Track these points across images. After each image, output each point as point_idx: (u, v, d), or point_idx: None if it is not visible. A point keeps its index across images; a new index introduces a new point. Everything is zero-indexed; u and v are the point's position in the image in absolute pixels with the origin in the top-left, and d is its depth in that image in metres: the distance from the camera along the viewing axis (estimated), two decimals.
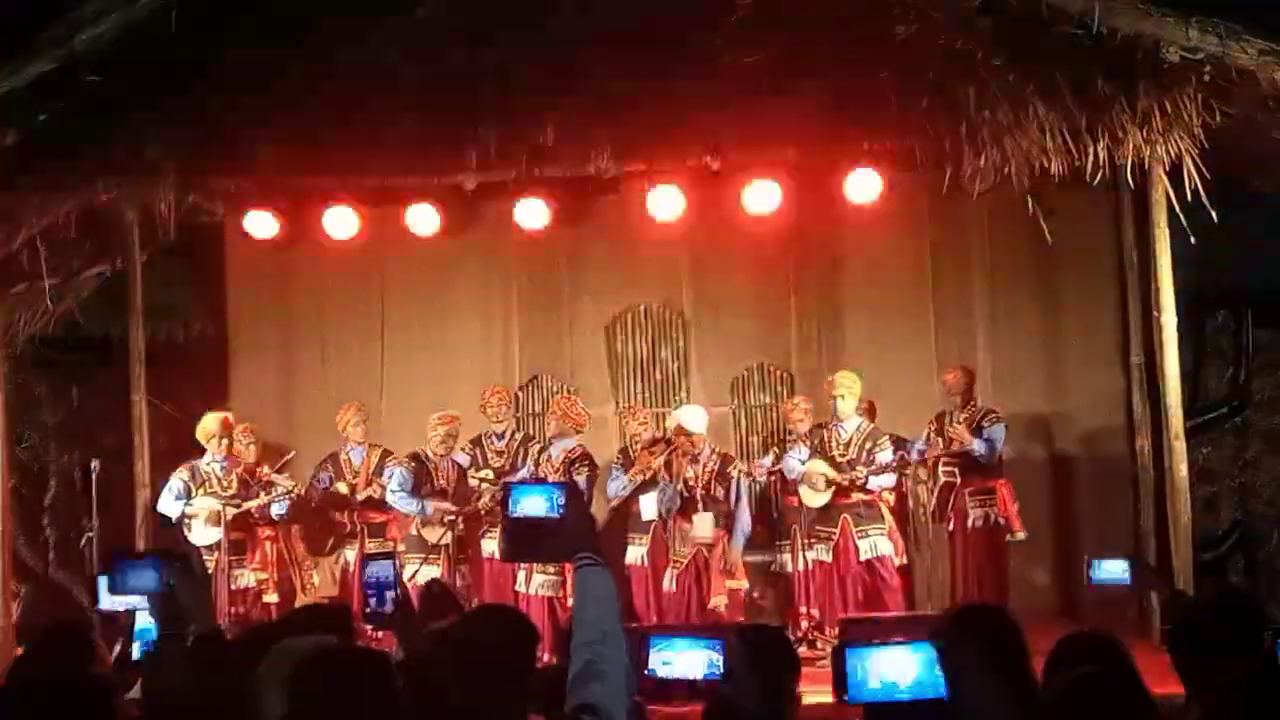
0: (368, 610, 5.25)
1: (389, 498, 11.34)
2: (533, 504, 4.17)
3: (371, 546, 11.38)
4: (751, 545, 11.92)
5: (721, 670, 5.16)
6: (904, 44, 10.73)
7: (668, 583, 11.20)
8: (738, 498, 11.35)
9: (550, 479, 11.10)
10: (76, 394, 14.45)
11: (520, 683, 3.63)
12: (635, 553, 11.29)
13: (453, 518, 11.18)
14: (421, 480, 11.32)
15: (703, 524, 11.08)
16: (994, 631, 4.06)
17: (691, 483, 11.21)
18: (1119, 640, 4.00)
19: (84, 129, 11.27)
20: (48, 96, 11.26)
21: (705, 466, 11.30)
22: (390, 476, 11.39)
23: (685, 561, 11.17)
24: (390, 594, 5.34)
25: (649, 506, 11.21)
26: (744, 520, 11.37)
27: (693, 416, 11.56)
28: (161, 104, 11.25)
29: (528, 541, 4.38)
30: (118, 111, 11.28)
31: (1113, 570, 6.06)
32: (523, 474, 11.21)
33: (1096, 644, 4.09)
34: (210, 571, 10.96)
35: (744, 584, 11.32)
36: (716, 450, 11.56)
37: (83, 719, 3.41)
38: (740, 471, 11.47)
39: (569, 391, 12.87)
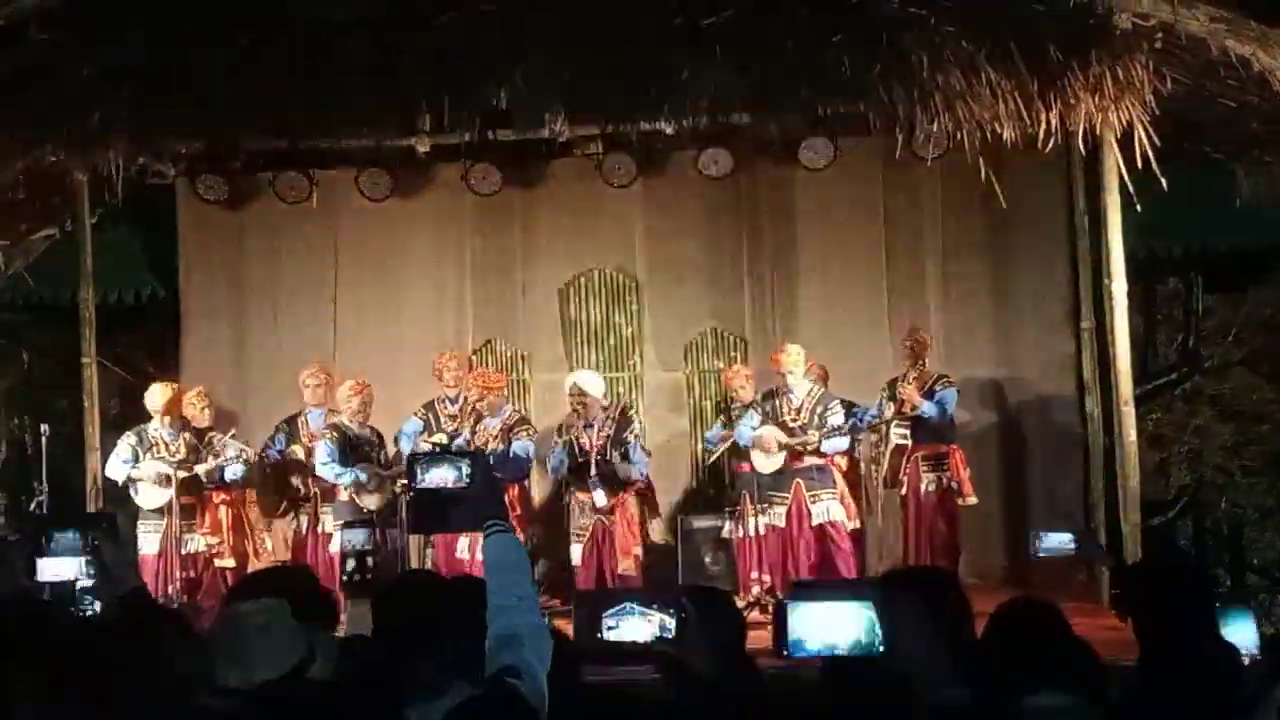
0: (345, 579, 5.25)
1: (319, 470, 11.17)
2: (440, 475, 4.19)
3: (325, 511, 11.35)
4: (701, 510, 12.05)
5: (672, 634, 5.19)
6: (857, 8, 10.75)
7: (575, 557, 11.10)
8: (632, 460, 11.20)
9: (490, 447, 11.12)
10: (26, 357, 14.38)
11: (442, 646, 3.63)
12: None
13: (399, 487, 11.07)
14: (345, 450, 11.22)
15: (597, 491, 11.05)
16: (932, 592, 4.09)
17: (586, 448, 11.16)
18: (1057, 607, 4.03)
19: (32, 89, 11.16)
20: None
21: (600, 432, 11.23)
22: (316, 449, 11.27)
23: (587, 533, 11.14)
24: (370, 560, 5.32)
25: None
26: (638, 460, 11.27)
27: (590, 379, 11.51)
28: (111, 64, 11.14)
29: (435, 513, 4.40)
30: (66, 71, 11.17)
31: (1057, 542, 6.12)
32: (459, 444, 11.14)
33: (1036, 610, 4.12)
34: (162, 534, 10.95)
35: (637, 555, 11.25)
36: (611, 415, 11.49)
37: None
38: (636, 437, 11.37)
39: (521, 355, 12.93)
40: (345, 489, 11.05)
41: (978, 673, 3.75)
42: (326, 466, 11.08)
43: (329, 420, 11.49)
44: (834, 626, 4.08)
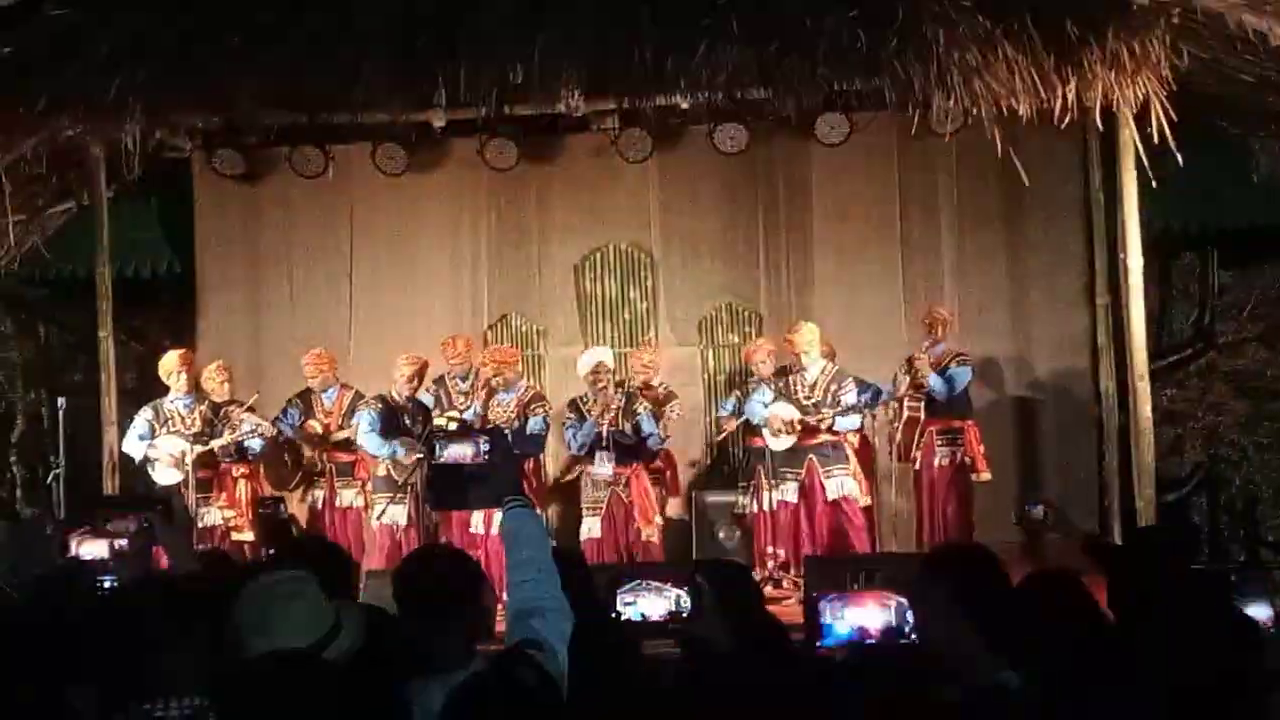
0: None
1: (359, 439, 11.22)
2: (459, 451, 4.22)
3: (339, 485, 11.43)
4: (716, 485, 12.14)
5: (689, 610, 5.21)
6: None
7: (588, 531, 11.17)
8: (645, 434, 11.30)
9: (505, 424, 11.15)
10: (44, 331, 14.44)
11: (462, 618, 3.66)
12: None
13: (420, 457, 11.15)
14: (389, 422, 11.25)
15: (602, 463, 11.09)
16: (965, 575, 4.08)
17: (600, 421, 11.22)
18: (1082, 579, 4.04)
19: (49, 63, 11.18)
20: (12, 29, 11.16)
21: (612, 405, 11.29)
22: (359, 419, 11.31)
23: (603, 505, 11.19)
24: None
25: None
26: (649, 430, 11.33)
27: (606, 354, 11.67)
28: (127, 39, 11.16)
29: (454, 489, 4.42)
30: (82, 45, 11.19)
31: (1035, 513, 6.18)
32: (468, 418, 11.18)
33: (1061, 582, 4.13)
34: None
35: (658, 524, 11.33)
36: (621, 389, 11.54)
37: None
38: (644, 407, 11.41)
39: (537, 330, 12.98)
40: (383, 461, 11.10)
41: (1023, 655, 3.75)
42: (368, 435, 11.11)
43: (345, 397, 11.56)
44: (865, 615, 4.11)
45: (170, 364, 11.46)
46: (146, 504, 8.98)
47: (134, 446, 11.30)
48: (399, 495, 11.02)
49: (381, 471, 11.16)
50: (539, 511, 4.10)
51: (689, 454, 12.74)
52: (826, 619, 4.44)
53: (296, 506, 11.88)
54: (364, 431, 11.16)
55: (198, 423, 11.33)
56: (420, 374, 11.40)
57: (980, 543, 6.34)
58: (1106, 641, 3.82)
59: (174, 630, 3.63)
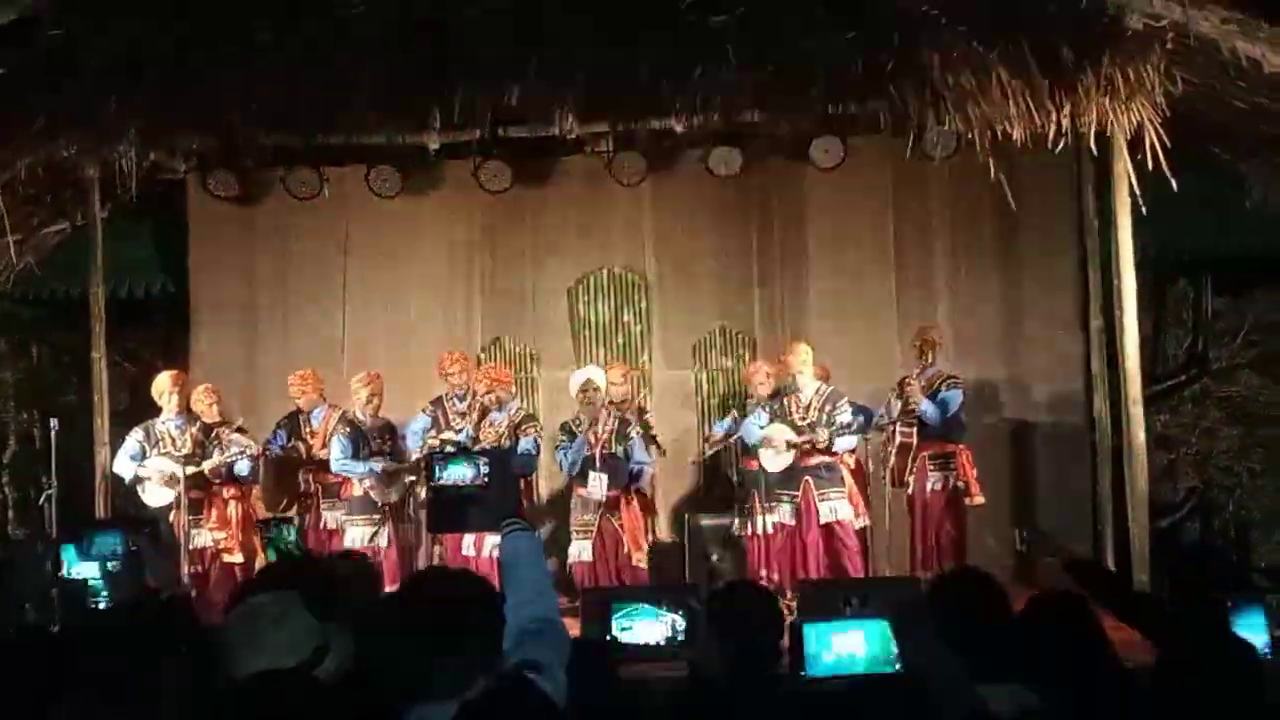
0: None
1: (335, 467, 11.24)
2: (458, 473, 4.19)
3: (327, 506, 11.42)
4: (710, 507, 12.14)
5: (684, 636, 5.19)
6: (869, 7, 10.75)
7: (577, 554, 11.16)
8: (636, 460, 11.29)
9: (495, 443, 11.13)
10: (36, 352, 14.40)
11: (468, 645, 3.64)
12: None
13: (414, 479, 11.15)
14: (359, 444, 11.26)
15: (596, 484, 11.08)
16: (965, 602, 4.08)
17: (592, 441, 11.20)
18: (1086, 599, 4.04)
19: (45, 84, 11.19)
20: (7, 50, 11.16)
21: (605, 426, 11.28)
22: (332, 447, 11.29)
23: (593, 529, 11.19)
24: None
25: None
26: (641, 459, 11.36)
27: (598, 373, 11.65)
28: (123, 60, 11.17)
29: (454, 512, 4.40)
30: (78, 66, 11.19)
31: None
32: (461, 439, 11.18)
33: (1066, 602, 4.13)
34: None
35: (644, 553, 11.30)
36: (614, 411, 11.55)
37: None
38: (637, 433, 11.43)
39: (531, 353, 12.99)
40: (361, 483, 11.10)
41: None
42: (341, 462, 11.14)
43: (334, 416, 11.53)
44: (851, 643, 4.10)
45: (162, 385, 11.43)
46: (134, 526, 8.94)
47: (124, 467, 11.26)
48: (375, 517, 11.04)
49: (359, 492, 11.18)
50: (537, 534, 4.07)
51: (683, 477, 12.74)
52: (812, 647, 4.41)
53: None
54: (337, 458, 11.19)
55: (188, 444, 11.27)
56: (378, 392, 11.42)
57: (977, 568, 6.35)
58: (1109, 663, 3.82)
59: (161, 651, 3.63)
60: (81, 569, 7.78)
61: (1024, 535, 5.94)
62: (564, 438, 11.35)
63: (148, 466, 11.16)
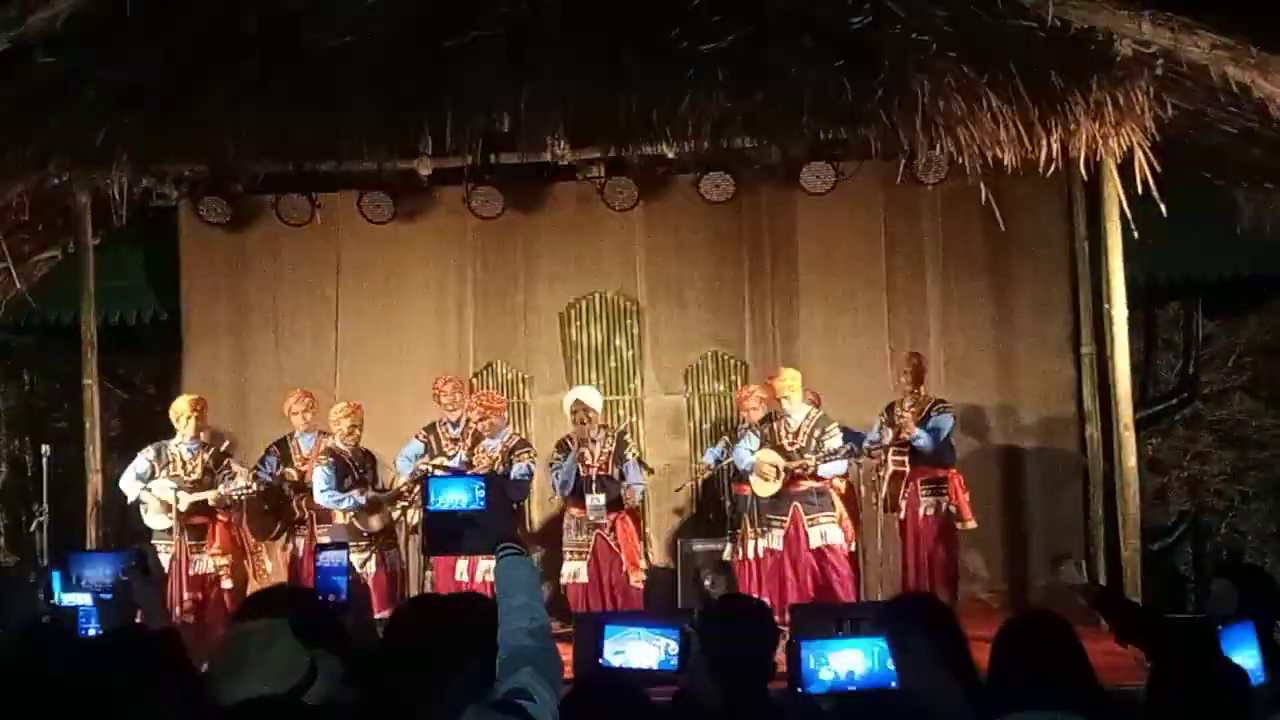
0: (320, 598, 5.22)
1: (317, 498, 11.21)
2: (454, 497, 4.20)
3: (321, 532, 11.38)
4: (702, 532, 12.17)
5: (677, 661, 5.15)
6: (859, 34, 10.77)
7: (572, 575, 11.19)
8: (632, 481, 11.33)
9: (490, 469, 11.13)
10: (28, 378, 14.39)
11: (460, 673, 3.62)
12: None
13: (405, 504, 11.14)
14: (341, 474, 11.25)
15: (595, 505, 11.09)
16: (935, 620, 4.09)
17: (589, 462, 11.20)
18: (1066, 620, 4.03)
19: (37, 111, 11.20)
20: (0, 78, 11.19)
21: (601, 448, 11.29)
22: (314, 478, 11.27)
23: (588, 549, 11.18)
24: (343, 581, 5.32)
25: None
26: (635, 480, 11.38)
27: (591, 394, 11.66)
28: (115, 87, 11.18)
29: (449, 535, 4.41)
30: (70, 94, 11.21)
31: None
32: (454, 465, 11.17)
33: (1044, 623, 4.12)
34: (171, 557, 10.93)
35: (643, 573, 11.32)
36: (611, 433, 11.55)
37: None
38: (634, 455, 11.48)
39: (523, 378, 12.99)
40: (345, 514, 11.09)
41: (994, 702, 3.74)
42: (325, 494, 11.11)
43: (323, 444, 11.50)
44: (847, 660, 4.10)
45: (180, 408, 11.39)
46: (123, 555, 8.92)
47: (130, 485, 11.21)
48: (362, 544, 11.04)
49: (343, 520, 11.18)
50: (532, 558, 4.06)
51: (675, 501, 12.73)
52: (809, 665, 4.41)
53: (279, 555, 11.81)
54: (320, 490, 11.17)
55: (198, 470, 11.25)
56: (358, 423, 11.41)
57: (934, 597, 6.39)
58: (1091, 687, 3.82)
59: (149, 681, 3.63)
60: (72, 597, 7.76)
61: (1061, 567, 5.90)
62: (559, 455, 11.37)
63: (151, 489, 11.11)
